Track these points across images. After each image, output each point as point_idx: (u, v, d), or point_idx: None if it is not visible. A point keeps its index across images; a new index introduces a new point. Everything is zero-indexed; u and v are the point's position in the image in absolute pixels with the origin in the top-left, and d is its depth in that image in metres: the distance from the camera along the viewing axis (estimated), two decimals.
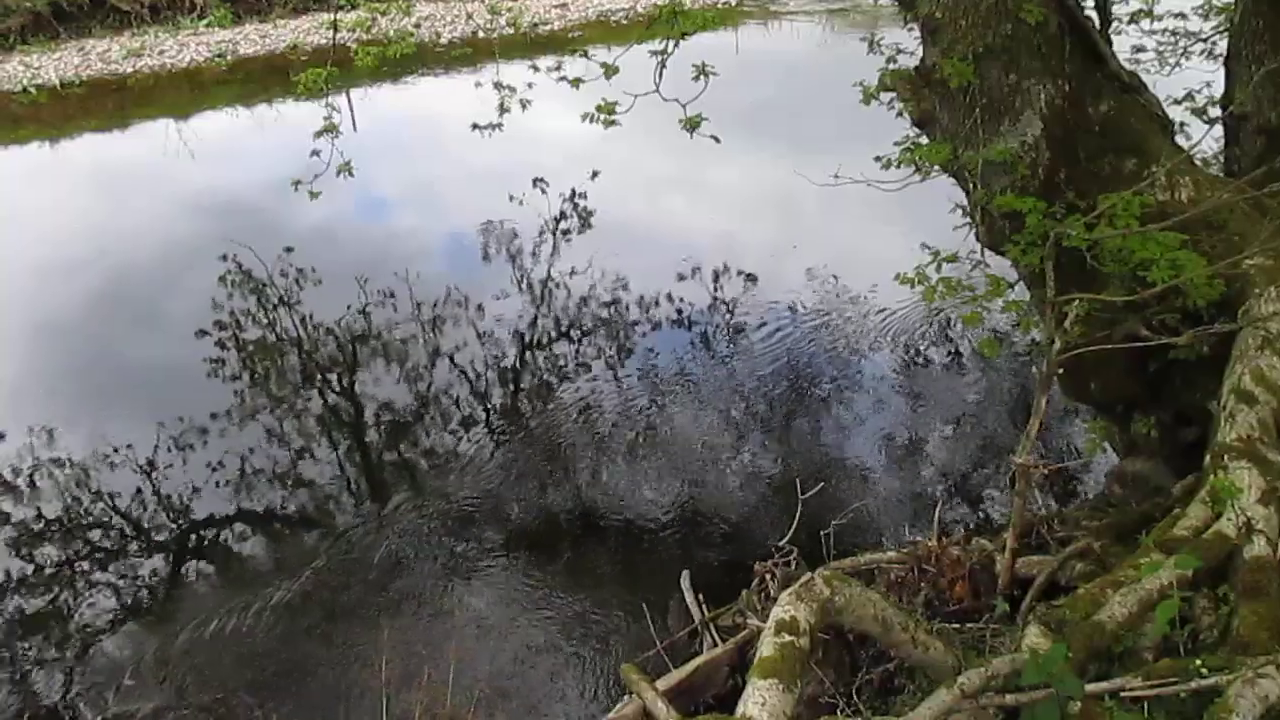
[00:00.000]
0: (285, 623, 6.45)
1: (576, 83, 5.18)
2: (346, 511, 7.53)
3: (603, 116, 4.72)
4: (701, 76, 4.72)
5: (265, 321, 10.11)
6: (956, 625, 4.22)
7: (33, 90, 15.62)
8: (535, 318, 9.98)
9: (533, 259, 11.04)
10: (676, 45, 4.65)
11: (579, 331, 9.73)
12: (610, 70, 4.80)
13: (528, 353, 9.49)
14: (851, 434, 8.07)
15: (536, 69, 7.02)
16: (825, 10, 18.79)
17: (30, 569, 7.11)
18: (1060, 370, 4.85)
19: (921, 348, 9.15)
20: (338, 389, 9.15)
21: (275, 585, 6.72)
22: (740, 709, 2.90)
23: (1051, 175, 5.48)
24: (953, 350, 9.13)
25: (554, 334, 9.74)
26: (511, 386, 9.05)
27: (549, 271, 10.76)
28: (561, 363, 9.26)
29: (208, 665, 6.15)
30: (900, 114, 6.08)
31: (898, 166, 5.82)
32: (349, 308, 10.02)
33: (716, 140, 5.02)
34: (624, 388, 8.77)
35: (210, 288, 10.36)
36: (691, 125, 4.66)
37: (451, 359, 9.34)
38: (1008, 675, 3.51)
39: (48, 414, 8.56)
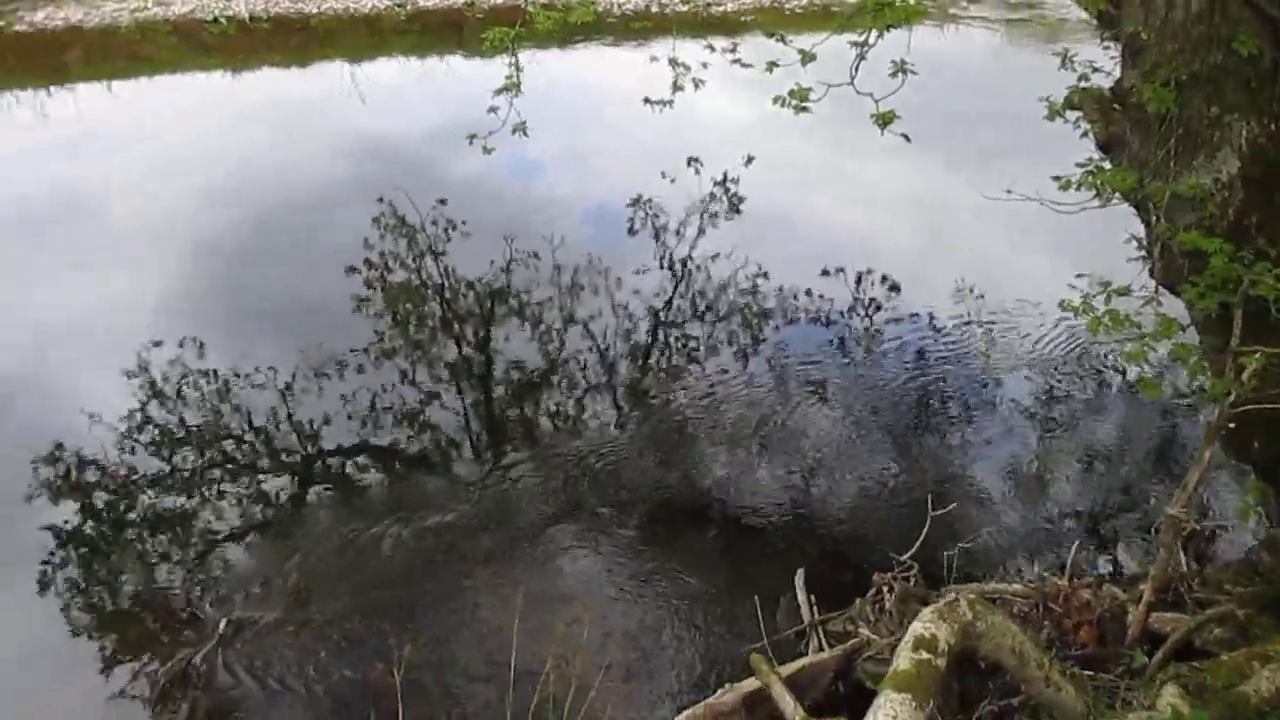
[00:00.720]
0: (414, 557, 6.65)
1: (771, 66, 5.13)
2: (469, 460, 7.72)
3: (794, 102, 4.67)
4: (900, 73, 4.61)
5: (412, 266, 10.39)
6: (1090, 672, 4.07)
7: (223, 21, 16.38)
8: (672, 297, 10.00)
9: (677, 238, 11.06)
10: (880, 37, 4.56)
11: (714, 315, 9.71)
12: (807, 57, 4.74)
13: (660, 330, 9.52)
14: (982, 457, 7.84)
15: (712, 49, 6.96)
16: (1004, 19, 18.20)
17: (170, 471, 7.50)
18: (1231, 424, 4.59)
19: (1065, 378, 8.81)
20: (473, 341, 9.36)
21: (403, 521, 6.92)
22: (870, 717, 2.85)
23: (1242, 217, 5.19)
24: (1097, 385, 8.77)
25: (689, 315, 9.74)
26: (641, 361, 9.10)
27: (691, 252, 10.76)
28: (693, 344, 9.26)
29: (334, 585, 6.39)
30: (1084, 134, 5.84)
31: (1077, 188, 5.58)
32: (492, 263, 10.23)
33: (907, 139, 4.89)
34: (753, 376, 8.73)
35: (364, 228, 10.72)
36: (884, 121, 4.56)
37: (586, 326, 9.44)
38: None
39: (200, 328, 8.98)
